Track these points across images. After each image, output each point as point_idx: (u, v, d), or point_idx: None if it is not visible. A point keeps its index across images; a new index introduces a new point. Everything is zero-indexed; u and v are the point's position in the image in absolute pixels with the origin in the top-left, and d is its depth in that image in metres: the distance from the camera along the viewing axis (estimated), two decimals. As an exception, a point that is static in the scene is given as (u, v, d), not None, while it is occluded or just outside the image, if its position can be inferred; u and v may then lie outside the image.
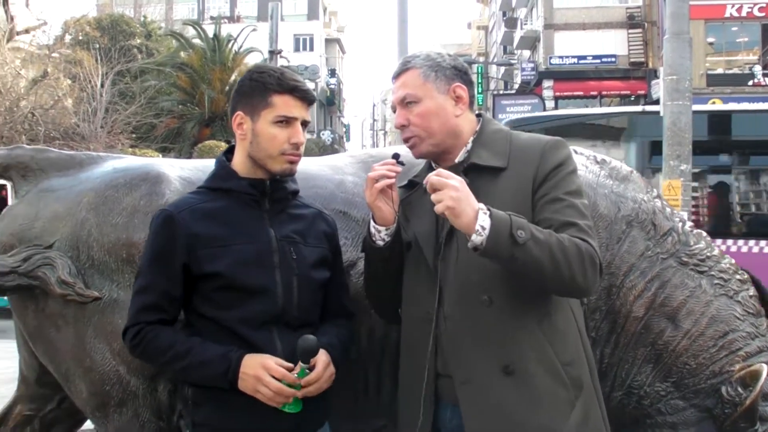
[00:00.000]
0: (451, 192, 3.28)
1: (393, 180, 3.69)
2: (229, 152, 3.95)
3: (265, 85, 3.75)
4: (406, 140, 3.82)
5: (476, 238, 3.29)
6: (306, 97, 3.81)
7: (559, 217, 3.51)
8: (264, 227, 3.76)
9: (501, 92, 64.62)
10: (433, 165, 3.87)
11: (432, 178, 3.36)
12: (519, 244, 3.28)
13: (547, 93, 53.21)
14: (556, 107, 51.86)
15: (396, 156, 3.76)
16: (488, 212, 3.30)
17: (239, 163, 3.83)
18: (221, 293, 3.65)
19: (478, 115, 3.92)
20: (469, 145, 3.78)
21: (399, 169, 3.71)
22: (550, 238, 3.37)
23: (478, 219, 3.28)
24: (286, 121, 3.74)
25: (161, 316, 3.68)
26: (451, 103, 3.77)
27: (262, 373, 3.51)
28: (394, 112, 3.87)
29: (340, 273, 4.07)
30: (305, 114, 3.83)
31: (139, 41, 49.93)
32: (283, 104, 3.74)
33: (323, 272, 3.89)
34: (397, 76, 3.86)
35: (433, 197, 3.35)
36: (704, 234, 4.70)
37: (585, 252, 3.42)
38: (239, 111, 3.81)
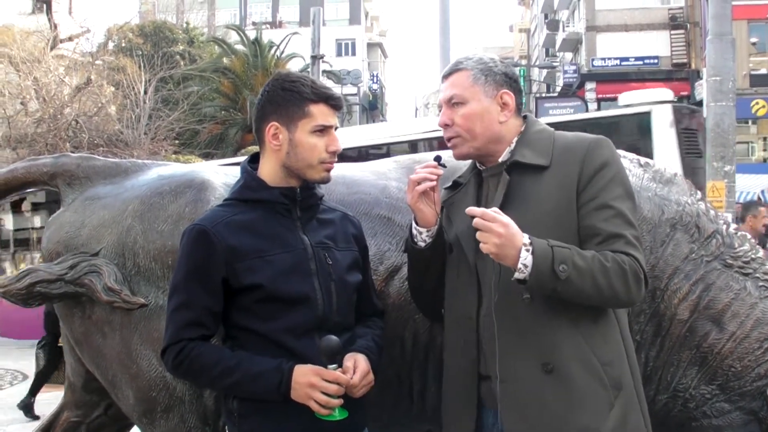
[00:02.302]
0: (494, 238, 3.31)
1: (434, 182, 3.69)
2: (252, 161, 3.94)
3: (300, 94, 3.74)
4: (448, 139, 3.83)
5: (519, 275, 3.33)
6: (339, 105, 3.83)
7: (606, 228, 3.51)
8: (298, 235, 3.76)
9: (543, 95, 64.34)
10: (478, 166, 3.89)
11: (477, 221, 3.36)
12: (561, 279, 3.31)
13: (590, 95, 53.00)
14: (599, 109, 51.62)
15: (438, 158, 3.76)
16: (530, 248, 3.31)
17: (268, 172, 3.81)
18: (262, 305, 3.64)
19: (525, 117, 3.92)
20: (513, 145, 3.78)
21: (440, 171, 3.72)
22: (593, 263, 3.38)
23: (520, 257, 3.31)
24: (323, 130, 3.74)
25: (203, 332, 3.66)
26: (496, 109, 3.78)
27: (317, 379, 3.51)
28: (440, 110, 3.88)
29: (369, 273, 4.08)
30: (336, 121, 3.84)
31: (181, 47, 50.05)
32: (320, 113, 3.74)
33: (356, 275, 3.90)
34: (447, 75, 3.87)
35: (478, 236, 3.37)
36: (748, 236, 4.68)
37: (629, 269, 3.43)
38: (273, 121, 3.77)
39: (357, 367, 3.62)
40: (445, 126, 3.81)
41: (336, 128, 3.83)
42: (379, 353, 3.85)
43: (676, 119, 15.95)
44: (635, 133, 17.43)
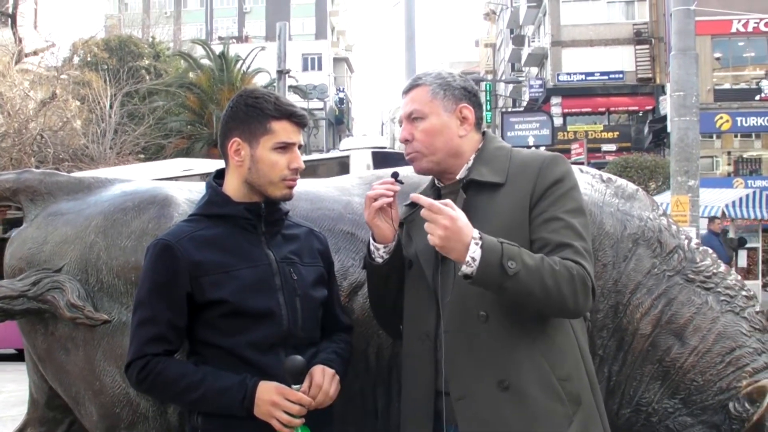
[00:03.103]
0: (439, 231, 3.31)
1: (391, 199, 3.70)
2: (217, 177, 3.93)
3: (263, 111, 3.73)
4: (408, 155, 3.84)
5: (466, 269, 3.31)
6: (303, 122, 3.82)
7: (555, 238, 3.51)
8: (263, 250, 3.75)
9: (509, 110, 64.69)
10: (437, 183, 3.90)
11: (424, 213, 3.38)
12: (509, 275, 3.30)
13: (556, 110, 53.37)
14: (564, 124, 52.08)
15: (395, 175, 3.78)
16: (480, 242, 3.31)
17: (233, 188, 3.80)
18: (227, 320, 3.62)
19: (484, 133, 3.93)
20: (471, 162, 3.79)
21: (397, 188, 3.73)
22: (542, 264, 3.37)
23: (469, 250, 3.30)
24: (285, 147, 3.74)
25: (167, 348, 3.63)
26: (456, 123, 3.78)
27: (279, 398, 3.50)
28: (401, 126, 3.89)
29: (334, 288, 4.08)
30: (301, 138, 3.84)
31: (147, 62, 50.01)
32: (283, 130, 3.73)
33: (322, 290, 3.89)
34: (407, 91, 3.87)
35: (425, 227, 3.38)
36: (710, 251, 4.71)
37: (577, 276, 3.42)
38: (236, 137, 3.77)
39: (312, 383, 3.60)
40: (406, 141, 3.81)
41: (300, 146, 3.83)
42: (343, 365, 3.83)
43: (375, 162, 16.53)
44: (336, 174, 18.27)
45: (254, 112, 3.74)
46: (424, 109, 3.77)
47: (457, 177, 3.78)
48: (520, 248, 3.38)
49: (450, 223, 3.30)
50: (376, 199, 3.69)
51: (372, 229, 3.77)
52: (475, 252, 3.29)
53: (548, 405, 3.49)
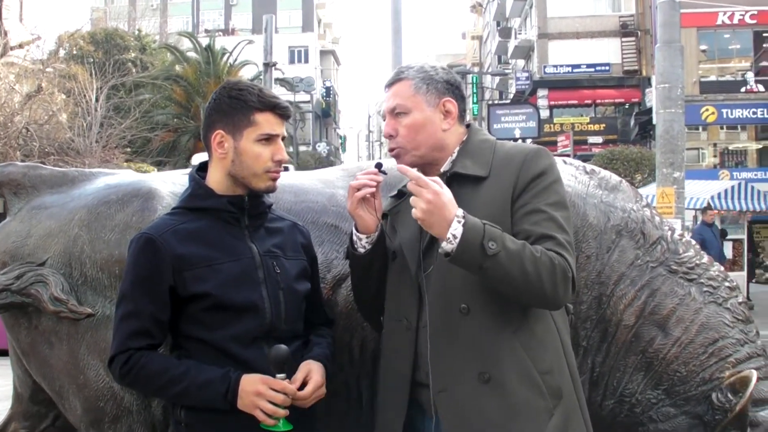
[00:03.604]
0: (422, 204, 3.32)
1: (374, 189, 3.70)
2: (201, 169, 3.93)
3: (246, 102, 3.72)
4: (391, 150, 3.83)
5: (446, 246, 3.31)
6: (286, 114, 3.82)
7: (537, 230, 3.51)
8: (246, 244, 3.75)
9: (496, 102, 64.71)
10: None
11: (410, 185, 3.39)
12: (489, 255, 3.30)
13: (542, 102, 53.37)
14: (551, 116, 52.12)
15: (378, 165, 3.78)
16: (462, 220, 3.31)
17: (216, 181, 3.80)
18: (210, 313, 3.62)
19: (468, 126, 3.93)
20: (455, 155, 3.79)
21: (380, 178, 3.72)
22: (524, 249, 3.37)
23: (451, 227, 3.30)
24: (269, 139, 3.73)
25: (150, 342, 3.63)
26: (439, 117, 3.78)
27: (264, 388, 3.50)
28: (384, 120, 3.88)
29: (317, 282, 4.09)
30: (284, 130, 3.84)
31: (133, 55, 49.84)
32: (266, 122, 3.73)
33: (305, 284, 3.90)
34: (389, 85, 3.86)
35: (411, 200, 3.38)
36: (693, 242, 4.73)
37: (558, 266, 3.42)
38: (219, 130, 3.76)
39: (310, 379, 3.62)
40: (389, 136, 3.81)
41: (283, 137, 3.83)
42: (333, 362, 3.86)
43: None
44: None
45: (238, 104, 3.73)
46: (407, 104, 3.76)
47: (442, 170, 3.78)
48: (503, 232, 3.39)
49: (434, 198, 3.31)
50: (359, 189, 3.68)
51: (355, 219, 3.77)
52: (456, 229, 3.30)
53: (529, 398, 3.50)
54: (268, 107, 3.75)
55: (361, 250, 3.80)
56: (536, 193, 3.59)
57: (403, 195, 3.89)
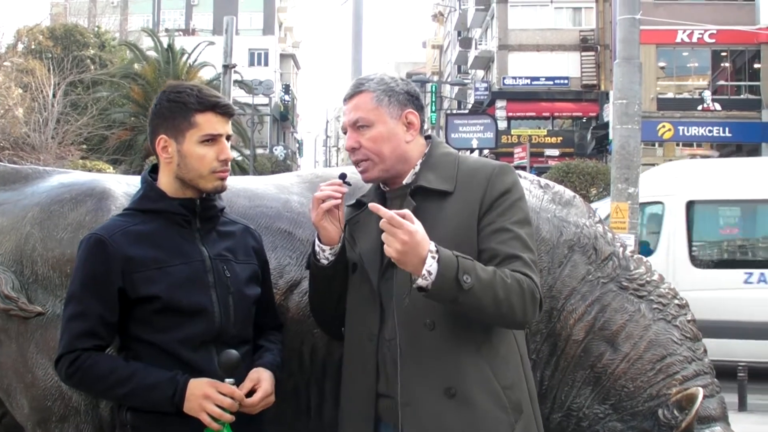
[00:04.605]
0: (397, 245, 3.29)
1: (339, 201, 3.69)
2: (153, 171, 3.89)
3: (185, 104, 3.70)
4: (356, 163, 3.80)
5: (421, 282, 3.31)
6: (228, 112, 3.79)
7: (504, 249, 3.53)
8: (197, 247, 3.73)
9: (454, 111, 64.84)
10: (382, 187, 3.88)
11: (383, 224, 3.34)
12: (464, 289, 3.30)
13: (500, 113, 53.57)
14: (508, 127, 52.30)
15: (343, 176, 3.75)
16: (436, 256, 3.30)
17: (166, 183, 3.77)
18: (159, 316, 3.60)
19: (428, 137, 3.92)
20: (417, 168, 3.78)
21: (345, 189, 3.70)
22: (495, 278, 3.39)
23: (425, 263, 3.29)
24: (212, 139, 3.71)
25: (97, 343, 3.61)
26: (402, 129, 3.77)
27: (212, 391, 3.49)
28: (345, 133, 3.86)
29: (268, 286, 4.07)
30: (228, 129, 3.80)
31: (92, 52, 49.53)
32: (207, 122, 3.70)
33: (255, 288, 3.88)
34: (349, 98, 3.84)
35: (383, 237, 3.35)
36: (645, 259, 4.76)
37: (527, 289, 3.45)
38: (162, 134, 3.74)
39: (259, 387, 3.62)
40: (353, 150, 3.78)
41: (228, 136, 3.80)
42: (283, 368, 3.87)
43: None
44: None
45: (177, 107, 3.71)
46: (369, 117, 3.74)
47: (404, 182, 3.78)
48: (474, 262, 3.40)
49: (409, 238, 3.28)
50: (323, 201, 3.66)
51: (318, 230, 3.74)
52: (431, 266, 3.29)
53: (493, 412, 3.53)
54: (208, 107, 3.72)
55: (324, 262, 3.78)
56: (502, 211, 3.61)
57: (362, 204, 3.87)
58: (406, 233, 3.28)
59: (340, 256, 3.78)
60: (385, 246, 3.35)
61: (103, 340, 3.64)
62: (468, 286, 3.30)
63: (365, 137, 3.74)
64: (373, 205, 3.44)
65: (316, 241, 3.79)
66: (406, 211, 3.37)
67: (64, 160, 32.73)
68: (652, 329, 4.49)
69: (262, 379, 3.65)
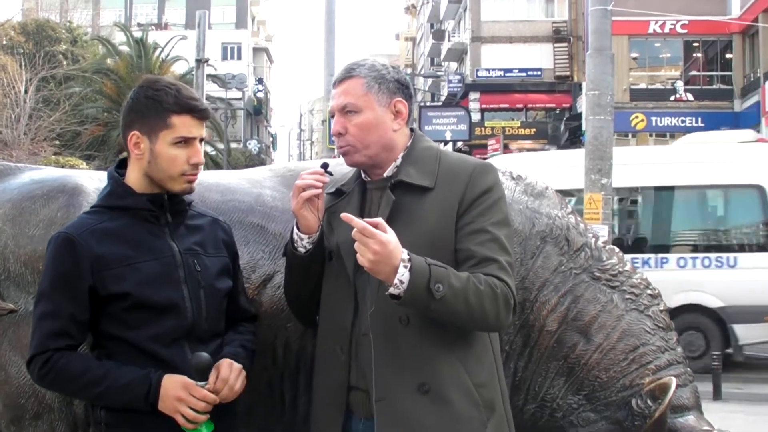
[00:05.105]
0: (369, 255, 3.30)
1: (320, 190, 3.69)
2: (119, 166, 3.86)
3: (162, 104, 3.65)
4: (341, 147, 3.80)
5: (394, 291, 3.33)
6: (204, 116, 3.75)
7: (481, 251, 3.54)
8: (166, 242, 3.70)
9: (427, 104, 64.82)
10: (363, 176, 3.88)
11: (355, 234, 3.34)
12: (436, 298, 3.32)
13: (474, 105, 53.57)
14: (482, 119, 52.34)
15: (324, 166, 3.76)
16: (409, 264, 3.32)
17: (135, 179, 3.74)
18: (130, 313, 3.58)
19: (411, 130, 3.92)
20: (399, 161, 3.77)
21: (326, 179, 3.71)
22: (468, 285, 3.40)
23: (397, 273, 3.30)
24: (185, 141, 3.67)
25: (69, 342, 3.58)
26: (390, 117, 3.77)
27: (185, 394, 3.48)
28: (332, 117, 3.85)
29: (239, 278, 4.04)
30: (202, 131, 3.78)
31: (64, 47, 49.27)
32: (183, 125, 3.66)
33: (226, 281, 3.86)
34: (339, 82, 3.82)
35: (356, 247, 3.36)
36: (617, 250, 4.77)
37: (500, 294, 3.46)
38: (135, 130, 3.70)
39: (218, 377, 3.58)
40: (338, 134, 3.77)
41: (201, 139, 3.77)
42: (249, 357, 3.82)
43: None
44: None
45: (154, 105, 3.67)
46: (358, 103, 3.73)
47: (385, 174, 3.78)
48: (447, 269, 3.41)
49: (381, 248, 3.29)
50: (304, 189, 3.67)
51: (298, 218, 3.75)
52: (403, 275, 3.31)
53: (466, 410, 3.54)
54: (185, 109, 3.67)
55: (302, 250, 3.79)
56: (482, 210, 3.62)
57: (341, 193, 3.88)
58: (377, 243, 3.30)
59: (317, 246, 3.78)
60: (358, 255, 3.36)
61: (75, 339, 3.62)
62: (440, 294, 3.32)
63: (352, 123, 3.73)
64: (345, 216, 3.43)
65: (295, 230, 3.80)
66: (379, 220, 3.38)
67: (37, 156, 32.57)
68: (625, 319, 4.51)
69: (220, 368, 3.60)
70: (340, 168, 3.95)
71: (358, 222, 3.34)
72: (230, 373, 3.60)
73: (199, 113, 3.72)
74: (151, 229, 3.71)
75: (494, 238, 3.58)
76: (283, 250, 3.94)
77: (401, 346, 3.55)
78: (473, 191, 3.63)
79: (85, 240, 3.57)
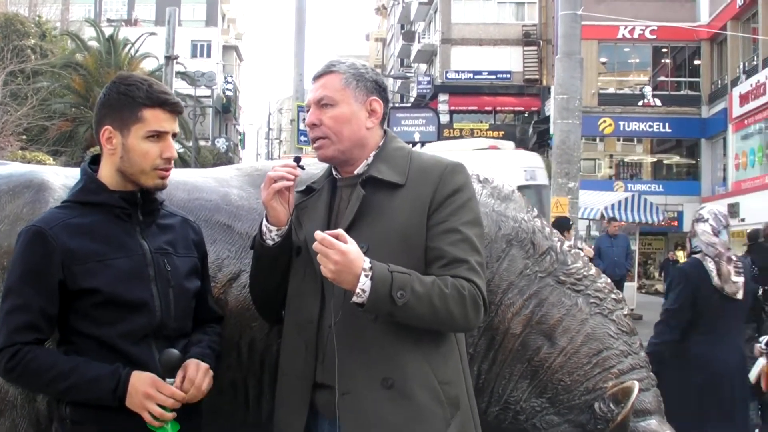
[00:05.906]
0: (330, 265, 3.34)
1: (291, 183, 3.71)
2: (93, 162, 3.86)
3: (134, 98, 3.66)
4: (314, 140, 3.82)
5: (356, 299, 3.37)
6: (176, 110, 3.77)
7: (451, 251, 3.57)
8: (137, 240, 3.70)
9: (397, 105, 64.82)
10: (334, 174, 3.90)
11: (316, 246, 3.39)
12: (398, 305, 3.36)
13: (443, 107, 53.60)
14: (450, 121, 52.37)
15: (297, 159, 3.79)
16: (370, 273, 3.35)
17: (107, 176, 3.74)
18: (99, 309, 3.57)
19: (385, 131, 3.95)
20: (370, 159, 3.80)
21: (298, 172, 3.73)
22: (432, 290, 3.44)
23: (359, 282, 3.34)
24: (157, 136, 3.69)
25: (37, 336, 3.57)
26: (365, 114, 3.80)
27: (153, 391, 3.47)
28: (308, 111, 3.88)
29: (207, 278, 4.06)
30: (175, 126, 3.79)
31: (33, 41, 48.89)
32: (154, 118, 3.68)
33: (195, 281, 3.88)
34: (319, 76, 3.86)
35: (318, 259, 3.39)
36: (582, 254, 4.80)
37: (468, 296, 3.50)
38: (107, 125, 3.70)
39: (185, 378, 3.59)
40: (313, 126, 3.80)
41: (174, 134, 3.78)
42: (215, 359, 3.83)
43: None
44: None
45: (126, 99, 3.68)
46: (335, 96, 3.77)
47: (356, 172, 3.81)
48: (411, 275, 3.44)
49: (341, 258, 3.33)
50: (276, 181, 3.68)
51: (268, 210, 3.76)
52: (365, 284, 3.34)
53: (429, 406, 3.56)
54: (156, 103, 3.69)
55: (270, 242, 3.80)
56: (453, 210, 3.65)
57: (311, 191, 3.92)
58: (337, 253, 3.34)
59: (285, 239, 3.80)
60: (320, 266, 3.39)
61: (43, 333, 3.61)
62: (402, 301, 3.36)
63: (327, 115, 3.77)
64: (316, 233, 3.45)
65: (264, 221, 3.81)
66: (340, 231, 3.42)
67: (3, 150, 32.36)
68: (589, 323, 4.54)
69: (187, 368, 3.61)
70: (311, 169, 3.96)
71: (318, 233, 3.39)
72: (197, 373, 3.61)
73: (170, 107, 3.73)
74: (123, 227, 3.71)
75: (465, 238, 3.61)
76: (251, 242, 3.95)
77: (367, 340, 3.57)
78: (444, 190, 3.66)
79: (56, 234, 3.56)
